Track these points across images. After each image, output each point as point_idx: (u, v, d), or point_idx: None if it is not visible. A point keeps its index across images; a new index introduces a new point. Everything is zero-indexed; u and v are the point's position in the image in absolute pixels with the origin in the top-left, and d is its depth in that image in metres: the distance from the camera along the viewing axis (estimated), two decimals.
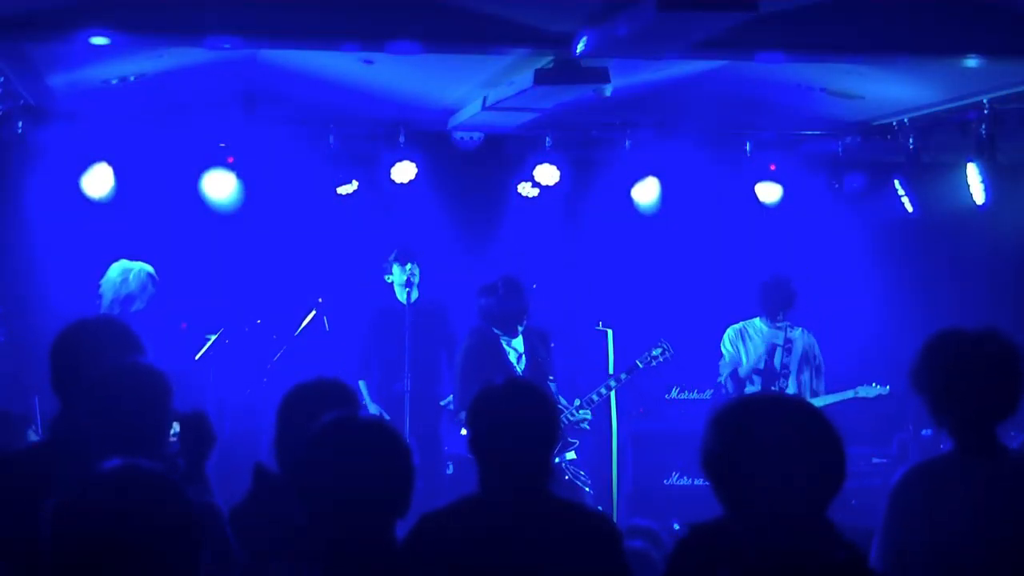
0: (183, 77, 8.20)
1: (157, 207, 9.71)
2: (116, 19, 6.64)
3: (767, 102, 9.08)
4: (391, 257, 9.24)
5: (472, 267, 10.39)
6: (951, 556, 3.74)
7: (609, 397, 8.81)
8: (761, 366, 9.21)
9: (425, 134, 9.85)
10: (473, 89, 8.71)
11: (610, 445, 8.97)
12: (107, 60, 7.58)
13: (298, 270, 10.07)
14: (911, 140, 9.44)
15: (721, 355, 9.33)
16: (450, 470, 8.85)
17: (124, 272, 8.18)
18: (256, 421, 9.21)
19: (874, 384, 9.10)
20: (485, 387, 3.87)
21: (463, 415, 8.37)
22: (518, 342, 8.51)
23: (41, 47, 7.30)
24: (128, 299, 8.07)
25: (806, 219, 10.40)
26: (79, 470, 2.71)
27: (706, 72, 8.11)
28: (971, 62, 7.35)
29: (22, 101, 8.62)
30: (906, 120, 9.33)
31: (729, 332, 9.36)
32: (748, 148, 10.07)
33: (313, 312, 9.55)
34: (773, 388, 9.06)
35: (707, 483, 3.20)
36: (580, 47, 6.91)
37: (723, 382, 9.39)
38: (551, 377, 8.36)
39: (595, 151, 10.18)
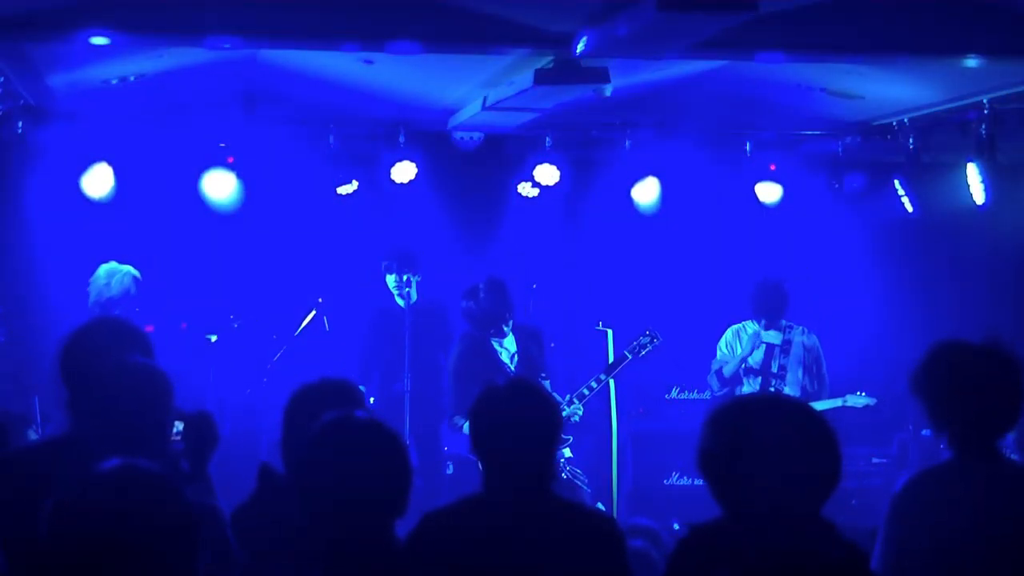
0: (183, 77, 8.20)
1: (157, 207, 9.71)
2: (116, 19, 6.64)
3: (767, 102, 9.07)
4: (383, 265, 9.26)
5: (472, 267, 10.38)
6: (952, 563, 3.74)
7: (605, 395, 8.80)
8: (756, 366, 9.21)
9: (425, 134, 9.85)
10: (473, 89, 8.71)
11: (610, 445, 8.97)
12: (107, 60, 7.58)
13: (298, 270, 10.07)
14: (911, 140, 9.44)
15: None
16: (450, 470, 8.85)
17: (109, 275, 8.20)
18: (256, 421, 9.23)
19: (861, 393, 9.09)
20: (487, 387, 3.87)
21: (457, 419, 8.38)
22: (509, 342, 8.52)
23: (41, 47, 7.30)
24: (109, 302, 8.09)
25: (806, 219, 10.40)
26: (79, 470, 2.70)
27: (706, 72, 8.11)
28: (971, 62, 7.35)
29: (22, 101, 8.62)
30: (906, 120, 9.33)
31: (727, 332, 9.38)
32: (748, 148, 10.07)
33: (313, 312, 9.55)
34: (771, 388, 9.07)
35: (704, 483, 3.21)
36: (580, 47, 6.91)
37: (708, 380, 9.42)
38: (544, 375, 8.35)
39: (595, 151, 10.18)
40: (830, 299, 10.29)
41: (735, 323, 9.39)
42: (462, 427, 8.37)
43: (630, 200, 10.09)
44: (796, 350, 9.24)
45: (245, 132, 9.32)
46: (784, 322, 9.27)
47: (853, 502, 9.13)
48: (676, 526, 7.86)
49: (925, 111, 9.07)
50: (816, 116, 9.55)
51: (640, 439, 9.94)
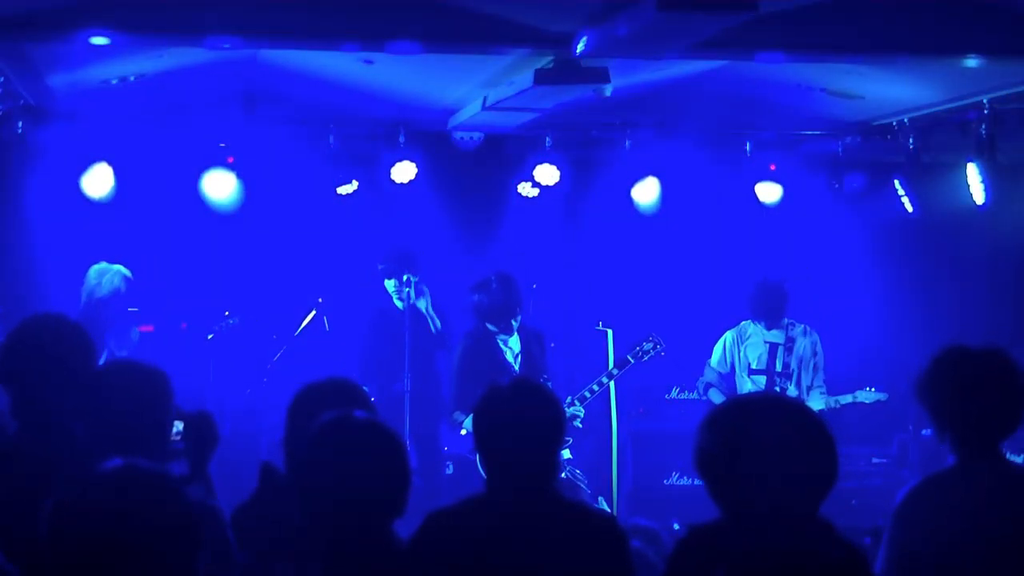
0: (183, 77, 8.20)
1: (157, 207, 9.72)
2: (116, 19, 6.64)
3: (767, 102, 9.07)
4: (380, 268, 9.26)
5: (472, 267, 10.38)
6: (955, 567, 3.75)
7: (605, 395, 8.80)
8: (761, 367, 9.21)
9: (425, 134, 9.85)
10: (473, 89, 8.71)
11: (610, 445, 8.97)
12: (107, 60, 7.58)
13: (298, 270, 10.07)
14: (911, 140, 9.44)
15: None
16: (450, 470, 8.85)
17: (99, 274, 8.22)
18: (256, 421, 9.23)
19: (871, 389, 9.08)
20: (491, 387, 3.87)
21: (457, 415, 8.39)
22: (514, 341, 8.53)
23: (41, 47, 7.30)
24: (99, 302, 8.12)
25: (806, 219, 10.40)
26: (79, 469, 2.70)
27: (706, 72, 8.11)
28: (971, 62, 7.35)
29: (22, 101, 8.62)
30: (906, 120, 9.33)
31: (727, 337, 9.36)
32: (748, 148, 10.07)
33: (313, 312, 9.55)
34: (776, 388, 9.06)
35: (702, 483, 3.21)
36: (580, 47, 6.91)
37: (701, 388, 9.41)
38: (545, 376, 8.36)
39: (595, 151, 10.18)
40: (830, 299, 10.29)
41: (731, 326, 9.38)
42: (462, 423, 8.38)
43: (630, 200, 10.09)
44: (799, 348, 9.24)
45: (245, 132, 9.32)
46: (786, 320, 9.27)
47: (853, 502, 9.13)
48: (676, 526, 7.86)
49: (925, 111, 9.07)
50: (816, 116, 9.55)
51: (640, 439, 9.94)
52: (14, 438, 4.06)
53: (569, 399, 8.54)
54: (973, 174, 9.18)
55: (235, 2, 6.68)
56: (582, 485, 8.48)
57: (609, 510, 8.57)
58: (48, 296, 9.32)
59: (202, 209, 9.62)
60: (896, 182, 9.93)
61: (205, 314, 9.59)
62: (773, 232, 10.41)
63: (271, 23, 6.83)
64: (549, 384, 8.29)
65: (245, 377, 9.57)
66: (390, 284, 9.22)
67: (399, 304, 9.14)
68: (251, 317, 9.76)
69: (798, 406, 3.42)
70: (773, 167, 10.10)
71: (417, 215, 10.16)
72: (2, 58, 7.49)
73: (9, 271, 9.53)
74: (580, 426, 8.57)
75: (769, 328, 9.23)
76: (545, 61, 7.54)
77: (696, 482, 3.29)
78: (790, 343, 9.23)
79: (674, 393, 10.21)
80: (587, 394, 8.64)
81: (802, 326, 9.31)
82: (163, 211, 9.75)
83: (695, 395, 9.83)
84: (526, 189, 10.18)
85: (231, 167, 9.54)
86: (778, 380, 9.15)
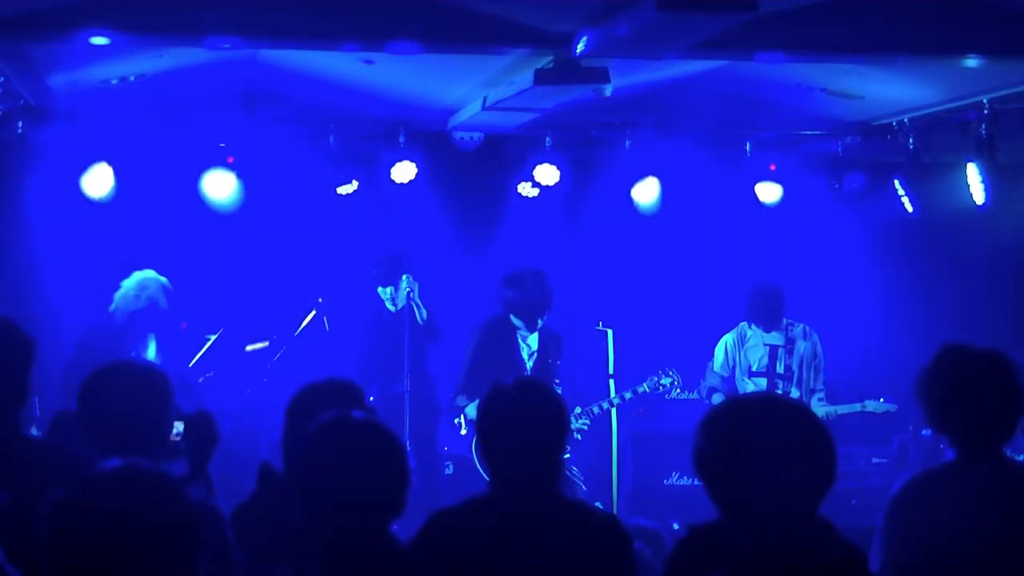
0: (183, 77, 8.20)
1: (157, 207, 9.71)
2: (116, 19, 6.64)
3: (767, 102, 9.07)
4: (373, 275, 9.27)
5: (472, 267, 10.40)
6: (950, 563, 3.75)
7: (605, 393, 8.81)
8: (762, 369, 9.21)
9: (425, 134, 9.85)
10: (473, 89, 8.71)
11: (610, 445, 8.97)
12: (107, 60, 7.58)
13: (298, 270, 10.07)
14: (911, 140, 9.44)
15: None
16: (450, 470, 8.85)
17: (140, 288, 8.17)
18: (256, 421, 9.22)
19: (880, 400, 9.04)
20: (495, 387, 3.86)
21: (460, 399, 8.39)
22: (533, 339, 8.53)
23: (41, 47, 7.30)
24: (134, 314, 8.11)
25: (806, 219, 10.40)
26: (79, 469, 2.71)
27: (706, 72, 8.11)
28: (971, 62, 7.35)
29: (22, 101, 8.62)
30: (906, 120, 9.33)
31: (727, 340, 9.35)
32: (748, 148, 10.07)
33: (313, 312, 9.54)
34: (777, 389, 9.05)
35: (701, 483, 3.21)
36: (580, 47, 6.91)
37: (704, 393, 9.40)
38: (556, 381, 8.35)
39: (595, 151, 10.18)
40: (830, 299, 10.29)
41: (731, 326, 9.38)
42: (464, 408, 8.38)
43: (630, 200, 10.09)
44: (800, 349, 9.23)
45: (245, 132, 9.32)
46: (785, 321, 9.26)
47: (853, 502, 9.12)
48: (676, 526, 7.86)
49: (925, 111, 9.07)
50: (816, 116, 9.55)
51: (640, 439, 9.93)
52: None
53: (579, 410, 8.53)
54: (973, 174, 9.18)
55: (235, 2, 6.68)
56: (579, 483, 8.48)
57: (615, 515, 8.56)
58: (48, 296, 9.33)
59: (202, 209, 9.62)
60: (896, 182, 9.94)
61: (205, 314, 9.57)
62: (773, 232, 10.41)
63: (271, 23, 6.84)
64: (559, 390, 8.29)
65: (245, 377, 9.56)
66: (384, 291, 9.24)
67: (391, 308, 9.18)
68: (250, 317, 9.76)
69: (797, 406, 3.43)
70: (773, 167, 10.10)
71: (417, 215, 10.16)
72: (2, 58, 7.49)
73: (9, 271, 9.53)
74: (579, 438, 8.57)
75: (768, 330, 9.22)
76: (545, 61, 7.54)
77: (696, 482, 3.28)
78: (790, 344, 9.21)
79: (674, 393, 10.18)
80: (595, 410, 8.65)
81: (801, 327, 9.30)
82: (163, 211, 9.75)
83: (695, 395, 9.82)
84: (526, 189, 10.18)
85: (231, 167, 9.55)
86: (779, 382, 9.13)
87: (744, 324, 9.34)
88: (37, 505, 2.71)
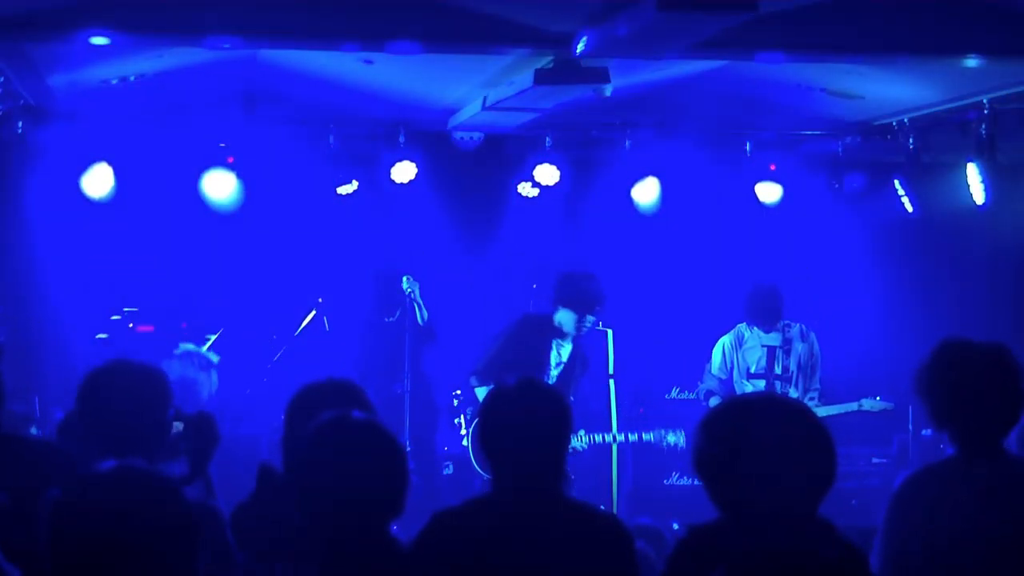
0: (183, 77, 8.20)
1: (157, 207, 9.71)
2: (116, 19, 6.64)
3: (767, 102, 9.07)
4: (386, 300, 9.27)
5: (472, 267, 10.40)
6: (951, 559, 3.75)
7: (605, 395, 8.80)
8: (760, 371, 9.21)
9: (425, 134, 9.85)
10: (473, 89, 8.71)
11: (610, 445, 8.96)
12: (107, 60, 7.58)
13: (298, 270, 10.07)
14: (911, 140, 9.44)
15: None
16: (449, 470, 8.86)
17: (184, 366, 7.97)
18: (256, 421, 9.22)
19: (878, 398, 9.05)
20: (497, 387, 3.86)
21: (474, 379, 8.35)
22: (566, 350, 8.44)
23: (41, 47, 7.30)
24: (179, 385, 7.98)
25: (806, 219, 10.40)
26: (75, 469, 2.71)
27: (706, 72, 8.11)
28: (971, 62, 7.35)
29: (22, 101, 8.62)
30: (906, 120, 9.33)
31: (725, 341, 9.35)
32: (748, 148, 10.07)
33: (313, 312, 9.55)
34: (776, 390, 9.05)
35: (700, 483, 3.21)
36: (580, 47, 6.91)
37: (702, 396, 9.40)
38: (572, 397, 8.30)
39: (595, 151, 10.18)
40: (830, 299, 10.28)
41: (731, 326, 9.38)
42: (475, 388, 8.35)
43: (630, 200, 10.09)
44: (797, 350, 9.23)
45: (245, 132, 9.32)
46: (782, 322, 9.26)
47: (853, 502, 9.12)
48: (676, 526, 7.86)
49: (925, 111, 9.07)
50: (816, 116, 9.55)
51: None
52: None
53: (582, 433, 8.50)
54: (973, 174, 9.18)
55: (235, 2, 6.68)
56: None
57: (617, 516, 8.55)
58: (48, 296, 9.33)
59: (202, 209, 9.62)
60: (896, 182, 9.93)
61: (205, 314, 9.57)
62: (773, 232, 10.41)
63: (271, 23, 6.83)
64: (571, 402, 8.26)
65: (245, 377, 9.56)
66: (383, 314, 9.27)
67: (391, 320, 9.21)
68: (249, 318, 9.77)
69: (797, 406, 3.43)
70: (773, 167, 10.10)
71: (417, 215, 10.16)
72: (2, 58, 7.49)
73: (9, 271, 9.53)
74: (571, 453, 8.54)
75: (767, 331, 9.22)
76: (545, 61, 7.54)
77: (696, 482, 3.28)
78: (787, 345, 9.22)
79: (674, 393, 10.20)
80: (597, 438, 8.60)
81: (798, 327, 9.29)
82: (163, 211, 9.75)
83: (695, 395, 9.82)
84: (526, 189, 10.18)
85: (231, 167, 9.54)
86: (778, 383, 9.13)
87: (742, 325, 9.34)
88: (36, 505, 2.71)
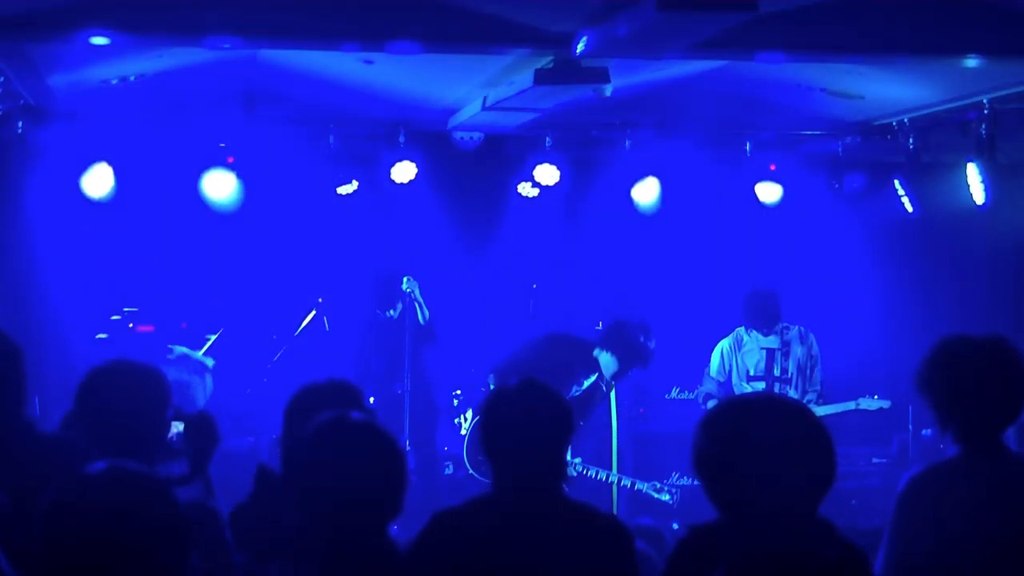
0: (183, 77, 8.20)
1: (157, 207, 9.72)
2: (116, 19, 6.64)
3: (767, 102, 9.07)
4: (380, 296, 9.26)
5: (472, 267, 10.40)
6: (956, 558, 3.75)
7: (609, 408, 8.79)
8: (760, 373, 9.21)
9: (425, 134, 9.85)
10: (473, 89, 8.70)
11: (610, 445, 8.96)
12: (107, 60, 7.58)
13: (298, 270, 10.07)
14: (911, 140, 9.44)
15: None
16: (449, 470, 8.86)
17: (180, 371, 8.06)
18: (256, 421, 9.23)
19: (875, 396, 9.06)
20: (497, 388, 3.86)
21: (491, 377, 8.31)
22: (590, 381, 8.40)
23: (41, 47, 7.30)
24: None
25: (806, 219, 10.40)
26: (75, 470, 2.70)
27: (706, 72, 8.11)
28: (971, 62, 7.35)
29: (22, 101, 8.61)
30: (906, 120, 9.33)
31: (723, 345, 9.36)
32: (748, 148, 10.06)
33: (313, 312, 9.55)
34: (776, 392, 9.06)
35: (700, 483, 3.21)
36: (580, 47, 6.91)
37: (700, 399, 9.40)
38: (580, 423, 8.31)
39: (595, 151, 10.18)
40: (830, 299, 10.29)
41: (730, 326, 9.38)
42: (489, 384, 8.34)
43: (630, 200, 10.09)
44: (796, 352, 9.24)
45: (245, 132, 9.33)
46: (780, 324, 9.27)
47: (853, 502, 9.12)
48: (675, 526, 7.86)
49: (925, 111, 9.07)
50: (816, 116, 9.55)
51: (640, 439, 9.93)
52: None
53: (579, 461, 8.49)
54: (973, 174, 9.18)
55: (235, 2, 6.68)
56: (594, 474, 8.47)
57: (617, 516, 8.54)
58: (48, 296, 9.33)
59: (202, 209, 9.62)
60: (896, 182, 9.93)
61: (205, 314, 9.57)
62: (773, 232, 10.41)
63: (271, 23, 6.83)
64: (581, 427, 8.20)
65: (245, 377, 9.57)
66: (391, 312, 9.27)
67: (392, 314, 9.22)
68: (251, 317, 9.77)
69: (796, 406, 3.42)
70: (773, 167, 10.10)
71: (417, 215, 10.16)
72: (2, 58, 7.49)
73: (9, 271, 9.53)
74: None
75: (766, 334, 9.24)
76: (545, 61, 7.54)
77: (696, 482, 3.28)
78: (786, 347, 9.23)
79: (674, 393, 10.20)
80: (591, 472, 8.53)
81: (797, 329, 9.30)
82: (163, 211, 9.75)
83: (694, 396, 9.83)
84: (526, 189, 10.17)
85: (231, 167, 9.54)
86: (777, 385, 9.14)
87: (740, 329, 9.36)
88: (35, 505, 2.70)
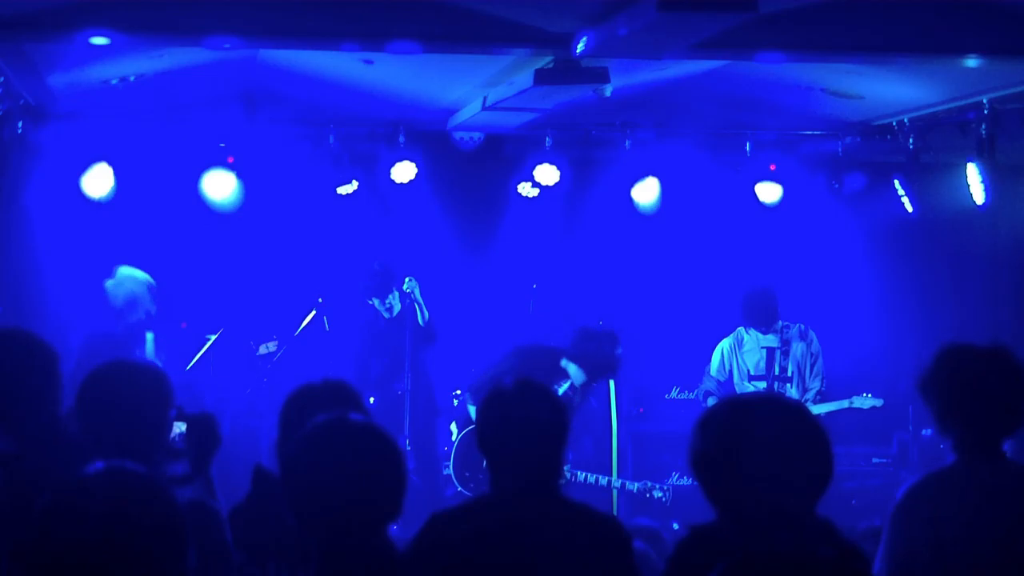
0: (183, 77, 8.20)
1: (157, 207, 9.71)
2: (116, 19, 6.64)
3: (767, 102, 9.08)
4: (367, 284, 9.26)
5: (472, 267, 10.40)
6: (956, 565, 3.74)
7: (605, 395, 8.78)
8: (760, 372, 9.22)
9: (425, 134, 9.85)
10: (473, 89, 8.71)
11: (610, 445, 8.96)
12: (107, 60, 7.58)
13: (298, 270, 10.07)
14: (911, 140, 9.44)
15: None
16: (448, 469, 8.85)
17: (115, 287, 8.22)
18: (256, 421, 9.23)
19: (867, 395, 9.06)
20: (494, 388, 3.86)
21: (467, 396, 8.37)
22: (563, 387, 8.40)
23: (41, 47, 7.30)
24: (120, 312, 8.17)
25: (806, 219, 10.40)
26: (74, 471, 2.70)
27: (706, 72, 8.11)
28: (971, 62, 7.35)
29: (22, 101, 8.61)
30: (906, 120, 9.33)
31: (723, 346, 9.37)
32: (748, 148, 10.06)
33: (313, 312, 9.54)
34: (777, 392, 9.07)
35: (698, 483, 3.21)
36: (580, 47, 6.92)
37: (700, 396, 9.41)
38: None
39: (595, 151, 10.18)
40: (830, 299, 10.28)
41: (730, 326, 9.39)
42: (469, 404, 8.38)
43: (630, 200, 10.08)
44: (795, 351, 9.24)
45: (245, 132, 9.32)
46: (780, 323, 9.27)
47: (853, 502, 9.12)
48: (676, 526, 7.86)
49: (925, 111, 9.07)
50: (816, 116, 9.55)
51: (640, 439, 9.93)
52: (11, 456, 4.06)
53: (567, 468, 8.50)
54: (973, 174, 9.18)
55: (235, 2, 6.68)
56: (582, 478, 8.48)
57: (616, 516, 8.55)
58: (48, 296, 9.32)
59: (202, 209, 9.62)
60: (896, 182, 9.93)
61: (205, 314, 9.57)
62: (773, 232, 10.41)
63: (271, 23, 6.83)
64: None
65: (245, 377, 9.57)
66: (376, 302, 9.26)
67: (386, 315, 9.21)
68: (251, 317, 9.77)
69: (793, 405, 3.43)
70: (773, 167, 10.10)
71: (417, 215, 10.16)
72: (2, 58, 7.49)
73: (9, 271, 9.53)
74: None
75: (763, 333, 9.25)
76: (545, 61, 7.54)
77: (696, 482, 3.28)
78: (785, 346, 9.24)
79: (674, 393, 10.20)
80: (580, 477, 8.53)
81: (797, 327, 9.31)
82: (163, 211, 9.75)
83: (695, 395, 9.83)
84: (526, 189, 10.17)
85: (231, 167, 9.54)
86: (777, 385, 9.15)
87: (742, 328, 9.36)
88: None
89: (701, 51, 7.04)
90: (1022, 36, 7.04)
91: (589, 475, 8.59)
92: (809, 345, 9.26)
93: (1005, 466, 3.90)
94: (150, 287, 8.25)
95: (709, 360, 9.51)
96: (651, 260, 10.53)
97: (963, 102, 8.65)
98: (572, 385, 8.34)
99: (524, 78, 7.83)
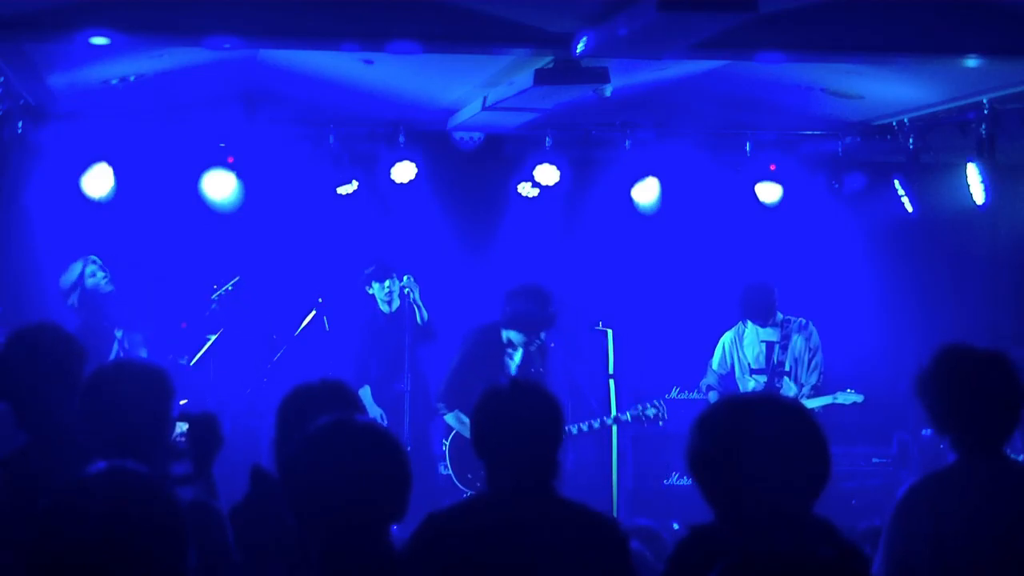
0: (183, 77, 8.20)
1: (157, 207, 9.71)
2: (116, 19, 6.64)
3: (767, 102, 9.08)
4: (368, 271, 9.29)
5: (472, 267, 10.40)
6: (956, 566, 3.75)
7: (605, 395, 8.80)
8: (761, 366, 9.23)
9: (425, 134, 9.85)
10: (473, 89, 8.71)
11: (610, 445, 8.97)
12: (107, 60, 7.59)
13: (298, 270, 10.07)
14: (911, 140, 9.45)
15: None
16: (447, 469, 8.85)
17: (70, 269, 8.29)
18: (256, 421, 9.22)
19: (850, 390, 9.07)
20: (490, 387, 3.86)
21: (441, 407, 8.47)
22: (518, 354, 8.54)
23: (41, 47, 7.30)
24: (72, 307, 8.28)
25: (806, 219, 10.40)
26: (75, 471, 2.70)
27: (706, 72, 8.12)
28: (971, 62, 7.36)
29: (22, 101, 8.61)
30: (906, 120, 9.34)
31: (725, 340, 9.38)
32: (748, 148, 10.06)
33: (313, 312, 9.54)
34: (776, 386, 9.08)
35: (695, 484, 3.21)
36: (580, 47, 6.92)
37: (704, 390, 9.42)
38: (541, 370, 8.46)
39: (595, 151, 10.18)
40: (830, 299, 10.28)
41: (730, 325, 9.40)
42: (444, 416, 8.46)
43: (630, 200, 10.08)
44: (794, 345, 9.25)
45: (245, 132, 9.32)
46: (780, 316, 9.28)
47: (853, 502, 9.12)
48: (676, 526, 7.86)
49: (925, 111, 9.07)
50: (816, 116, 9.55)
51: (640, 439, 9.93)
52: (24, 450, 4.06)
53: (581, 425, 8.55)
54: (973, 174, 9.18)
55: (235, 2, 6.68)
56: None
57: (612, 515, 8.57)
58: (48, 296, 9.30)
59: (202, 209, 9.62)
60: (896, 182, 9.93)
61: (205, 314, 9.57)
62: (773, 232, 10.41)
63: (271, 23, 6.84)
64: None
65: (245, 377, 9.56)
66: (377, 289, 9.26)
67: (385, 309, 9.22)
68: (250, 317, 9.76)
69: (791, 404, 3.43)
70: (773, 167, 10.10)
71: (417, 215, 10.16)
72: (2, 58, 7.49)
73: (9, 271, 9.53)
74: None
75: (762, 327, 9.26)
76: (545, 61, 7.54)
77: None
78: (785, 340, 9.25)
79: (674, 393, 10.20)
80: (584, 427, 8.60)
81: (797, 322, 9.31)
82: (163, 211, 9.74)
83: (695, 395, 9.83)
84: (526, 189, 10.17)
85: (231, 167, 9.54)
86: (776, 379, 9.16)
87: (742, 323, 9.37)
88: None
89: (701, 51, 7.04)
90: (1022, 36, 7.04)
91: (582, 424, 8.62)
92: (808, 339, 9.26)
93: (1005, 465, 3.90)
94: (85, 262, 8.32)
95: (711, 356, 9.51)
96: (651, 260, 10.53)
97: (963, 102, 8.65)
98: (522, 349, 8.45)
99: (524, 78, 7.83)
